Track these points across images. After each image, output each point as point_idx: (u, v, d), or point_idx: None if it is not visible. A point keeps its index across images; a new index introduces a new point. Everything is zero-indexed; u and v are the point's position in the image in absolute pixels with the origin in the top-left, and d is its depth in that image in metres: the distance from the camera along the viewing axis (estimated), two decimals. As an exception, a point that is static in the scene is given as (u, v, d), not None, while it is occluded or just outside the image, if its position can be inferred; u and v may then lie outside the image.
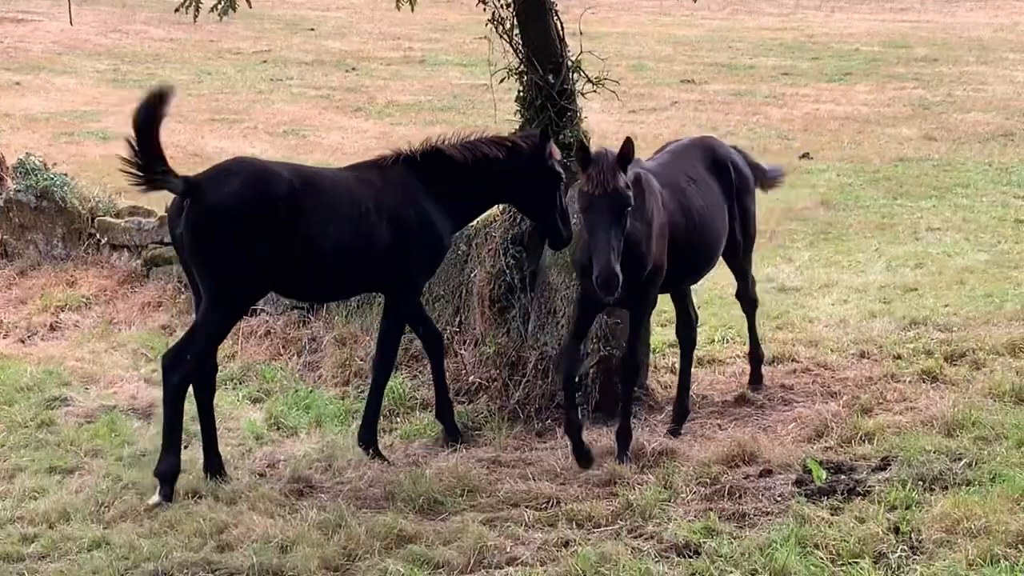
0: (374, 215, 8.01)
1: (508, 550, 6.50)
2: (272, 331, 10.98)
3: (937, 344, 9.37)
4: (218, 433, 8.74)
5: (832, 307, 10.93)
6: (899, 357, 9.24)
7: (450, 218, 8.42)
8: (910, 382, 8.70)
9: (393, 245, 8.06)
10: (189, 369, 7.71)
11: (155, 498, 7.54)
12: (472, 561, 6.48)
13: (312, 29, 36.12)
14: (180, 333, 11.25)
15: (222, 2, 9.55)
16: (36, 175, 13.73)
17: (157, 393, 9.71)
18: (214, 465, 7.93)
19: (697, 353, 9.97)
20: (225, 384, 10.03)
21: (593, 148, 7.54)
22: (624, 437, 7.96)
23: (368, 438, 8.30)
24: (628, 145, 7.25)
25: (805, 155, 19.29)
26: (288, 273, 7.89)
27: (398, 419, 8.98)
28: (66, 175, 14.01)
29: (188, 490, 7.61)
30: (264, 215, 7.65)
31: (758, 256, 13.76)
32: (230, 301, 7.78)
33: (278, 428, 8.93)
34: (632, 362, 8.02)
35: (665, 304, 9.06)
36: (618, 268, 7.01)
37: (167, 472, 7.65)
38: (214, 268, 7.67)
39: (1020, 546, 6.08)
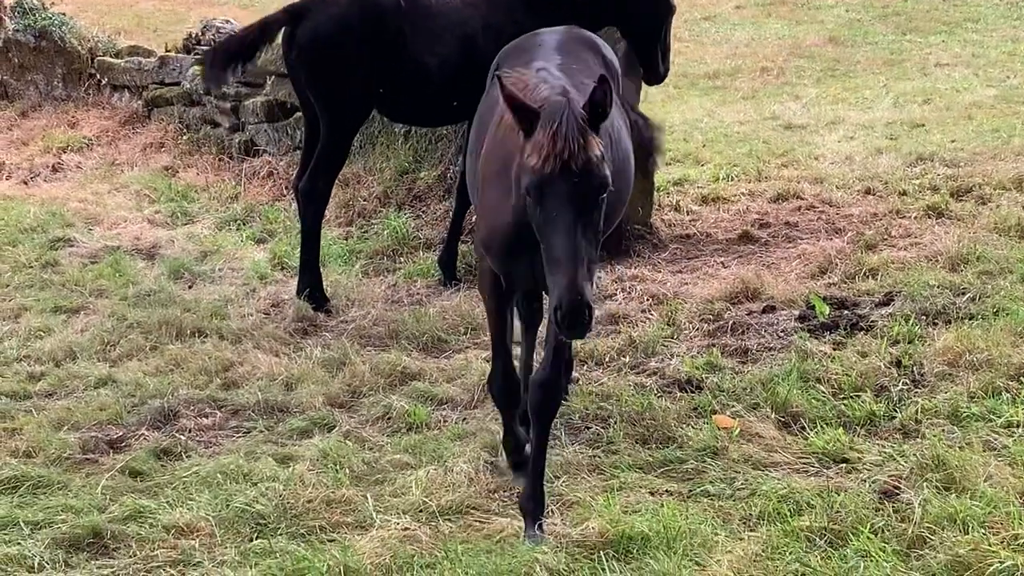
0: (480, 36, 7.99)
1: (511, 386, 6.51)
2: (275, 172, 10.93)
3: (943, 180, 9.31)
4: (223, 273, 8.80)
5: (838, 144, 10.84)
6: (904, 193, 9.18)
7: None
8: (915, 218, 8.66)
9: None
10: (324, 195, 8.17)
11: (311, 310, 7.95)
12: (475, 398, 6.52)
13: None
14: (183, 174, 11.30)
15: None
16: (34, 14, 13.56)
17: (160, 234, 9.78)
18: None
19: (702, 191, 9.94)
20: (229, 225, 10.03)
21: (539, 95, 4.84)
22: (534, 504, 5.24)
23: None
24: (603, 90, 4.59)
25: (814, -10, 18.97)
26: (395, 93, 8.03)
27: (402, 259, 8.96)
28: (64, 14, 13.81)
29: (193, 329, 7.63)
30: (372, 33, 7.79)
31: (764, 92, 13.69)
32: (344, 120, 8.05)
33: (282, 268, 8.92)
34: (554, 384, 5.29)
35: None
36: (590, 294, 4.47)
37: (313, 289, 8.07)
38: (326, 89, 7.94)
39: (1021, 378, 6.11)
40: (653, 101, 11.76)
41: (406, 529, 5.25)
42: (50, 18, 13.52)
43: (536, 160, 4.49)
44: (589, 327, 4.47)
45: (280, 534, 5.27)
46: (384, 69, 7.84)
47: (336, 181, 9.07)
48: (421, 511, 5.41)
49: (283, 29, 8.07)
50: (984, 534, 4.79)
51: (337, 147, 8.06)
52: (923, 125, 11.22)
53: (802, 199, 9.56)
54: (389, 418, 6.41)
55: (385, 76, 7.87)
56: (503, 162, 4.96)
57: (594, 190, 4.51)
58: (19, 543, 5.21)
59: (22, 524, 5.36)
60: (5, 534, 5.30)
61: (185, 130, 12.15)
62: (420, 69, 7.88)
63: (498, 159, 5.07)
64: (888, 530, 4.95)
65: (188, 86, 12.18)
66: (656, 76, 8.48)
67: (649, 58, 8.39)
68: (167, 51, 12.95)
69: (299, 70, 8.01)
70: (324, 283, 8.20)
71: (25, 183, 11.84)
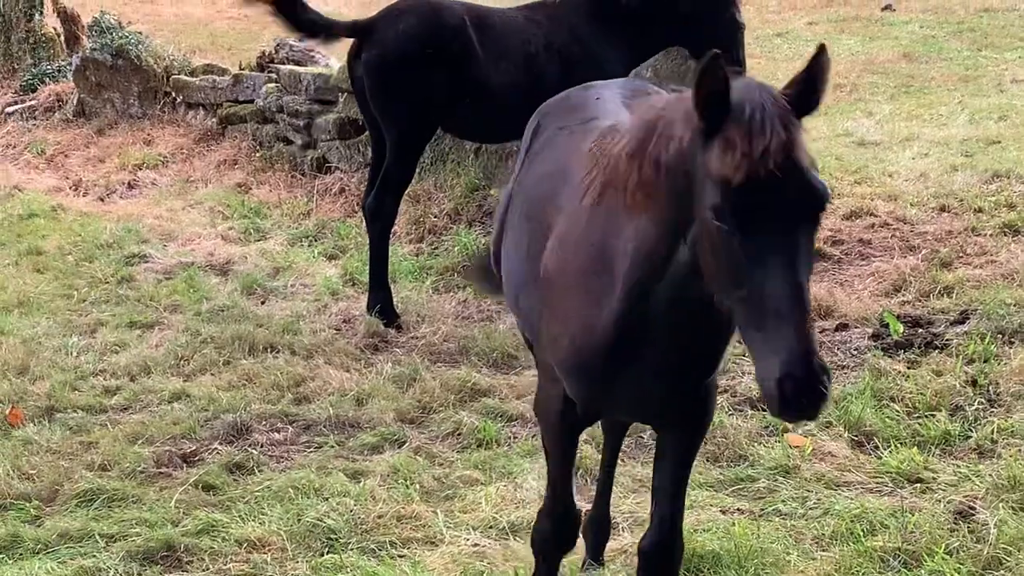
0: (543, 54, 8.03)
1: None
2: (346, 189, 11.00)
3: (1020, 197, 9.15)
4: (295, 289, 8.87)
5: (912, 161, 10.70)
6: (980, 210, 9.05)
7: (621, 58, 8.24)
8: (991, 235, 8.53)
9: (563, 85, 8.01)
10: (390, 213, 8.20)
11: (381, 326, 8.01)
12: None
13: None
14: (256, 191, 11.41)
15: None
16: (111, 33, 13.78)
17: (234, 250, 9.87)
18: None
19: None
20: (301, 241, 10.11)
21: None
22: None
23: None
24: (819, 67, 3.35)
25: (887, 7, 18.84)
26: (460, 111, 8.07)
27: (472, 275, 8.97)
28: (140, 33, 14.01)
29: (266, 345, 7.70)
30: (438, 51, 7.83)
31: (837, 109, 13.61)
32: (410, 139, 8.10)
33: (353, 284, 8.98)
34: (676, 547, 4.25)
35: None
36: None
37: (383, 305, 8.11)
38: (392, 107, 7.98)
39: (1098, 398, 6.02)
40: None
41: (476, 545, 5.27)
42: (127, 37, 13.72)
43: (729, 166, 3.15)
44: (826, 403, 3.21)
45: (351, 549, 5.31)
46: (449, 87, 7.86)
47: (406, 198, 9.12)
48: (491, 527, 5.43)
49: (350, 45, 8.14)
50: (1061, 556, 4.71)
51: (403, 165, 8.10)
52: (999, 142, 11.04)
53: (875, 216, 9.44)
54: (459, 434, 6.43)
55: (450, 94, 7.89)
56: (597, 254, 3.77)
57: (814, 205, 3.23)
58: (94, 555, 5.30)
59: (97, 537, 5.44)
60: (81, 546, 5.38)
61: (258, 147, 12.26)
62: (485, 86, 7.90)
63: (587, 250, 3.83)
64: (963, 551, 4.89)
65: (261, 104, 12.30)
66: None
67: None
68: (240, 69, 13.10)
69: (365, 88, 8.05)
70: (394, 299, 8.24)
71: (101, 200, 12.02)
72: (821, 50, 3.34)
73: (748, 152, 3.13)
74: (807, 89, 3.32)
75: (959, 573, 4.71)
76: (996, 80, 13.81)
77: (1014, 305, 7.20)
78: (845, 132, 11.92)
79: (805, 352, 3.14)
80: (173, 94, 13.51)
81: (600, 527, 5.02)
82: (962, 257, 8.22)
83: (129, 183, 12.20)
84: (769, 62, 14.81)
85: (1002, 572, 4.71)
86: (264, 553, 5.27)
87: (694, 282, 3.44)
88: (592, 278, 3.80)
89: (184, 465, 6.21)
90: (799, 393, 3.14)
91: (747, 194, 3.12)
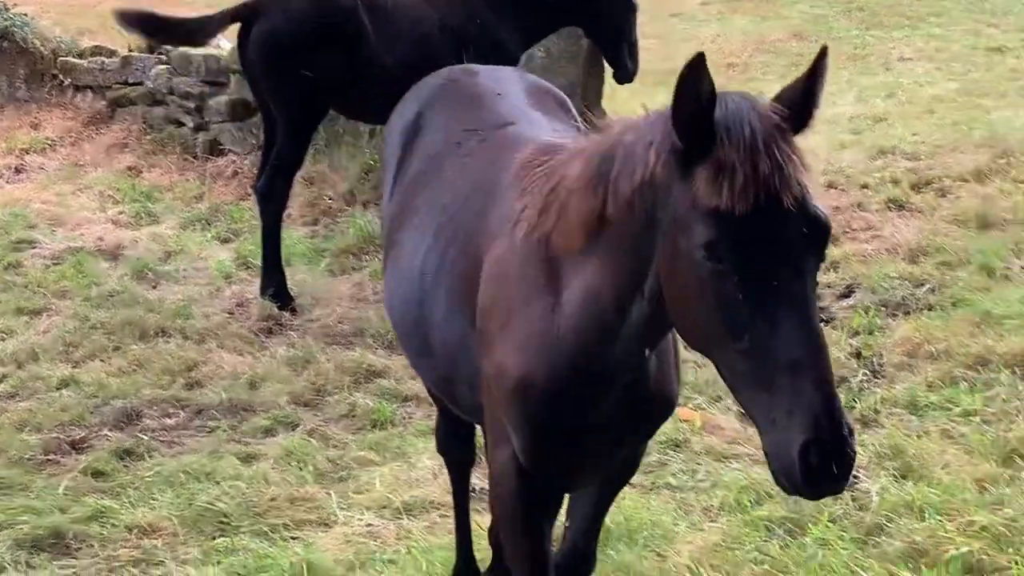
0: (438, 35, 8.00)
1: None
2: (240, 171, 10.89)
3: (904, 172, 9.34)
4: (188, 273, 8.78)
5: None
6: (866, 186, 9.21)
7: (517, 39, 8.25)
8: (876, 211, 8.69)
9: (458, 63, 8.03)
10: (282, 195, 8.12)
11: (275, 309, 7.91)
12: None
13: None
14: (147, 174, 11.26)
15: None
16: (-5, 16, 13.46)
17: (124, 234, 9.73)
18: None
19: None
20: (193, 225, 9.99)
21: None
22: None
23: None
24: (818, 76, 2.93)
25: (778, -14, 19.03)
26: (353, 93, 8.01)
27: (367, 257, 8.95)
28: (26, 15, 13.73)
29: (157, 329, 7.62)
30: (329, 33, 7.77)
31: (731, 88, 13.71)
32: (300, 120, 8.04)
33: (247, 268, 8.90)
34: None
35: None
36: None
37: (277, 288, 8.02)
38: (282, 88, 7.91)
39: (979, 368, 6.17)
40: (620, 98, 11.77)
41: (369, 525, 5.28)
42: (11, 19, 13.42)
43: (726, 193, 2.68)
44: (852, 472, 2.72)
45: (243, 532, 5.29)
46: (341, 69, 7.81)
47: (301, 180, 9.07)
48: (385, 507, 5.44)
49: (239, 27, 8.07)
50: (940, 521, 4.84)
51: (294, 147, 8.04)
52: (886, 119, 11.26)
53: (765, 193, 9.57)
54: (354, 416, 6.42)
55: (342, 76, 7.84)
56: (540, 295, 3.27)
57: (821, 235, 2.76)
58: (-19, 544, 5.22)
59: (-16, 525, 5.36)
60: (-33, 536, 5.30)
61: (149, 130, 12.08)
62: (379, 68, 7.85)
63: (531, 268, 3.31)
64: (846, 519, 5.00)
65: (152, 86, 12.12)
66: (626, 74, 8.49)
67: (617, 56, 8.40)
68: (130, 51, 12.88)
69: (255, 69, 8.00)
70: (289, 282, 8.19)
71: (-12, 185, 11.78)
72: (823, 53, 2.90)
73: (750, 175, 2.66)
74: (803, 102, 2.87)
75: (842, 540, 4.81)
76: (884, 59, 14.07)
77: (897, 278, 7.36)
78: (737, 111, 12.05)
79: (832, 411, 2.63)
80: (61, 77, 13.24)
81: None
82: (848, 232, 8.36)
83: (16, 168, 11.94)
84: (664, 43, 14.91)
85: (883, 538, 4.81)
86: (155, 538, 5.24)
87: (652, 338, 3.16)
88: (536, 309, 3.27)
89: (73, 452, 6.13)
90: (828, 462, 2.62)
91: (749, 226, 2.66)
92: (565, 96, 4.51)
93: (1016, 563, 4.53)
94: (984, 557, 4.58)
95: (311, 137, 8.45)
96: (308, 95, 7.90)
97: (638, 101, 10.10)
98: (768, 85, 13.03)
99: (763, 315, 2.67)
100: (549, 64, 9.48)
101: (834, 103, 12.07)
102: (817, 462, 2.60)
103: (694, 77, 2.70)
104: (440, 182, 3.93)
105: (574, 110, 4.41)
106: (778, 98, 2.87)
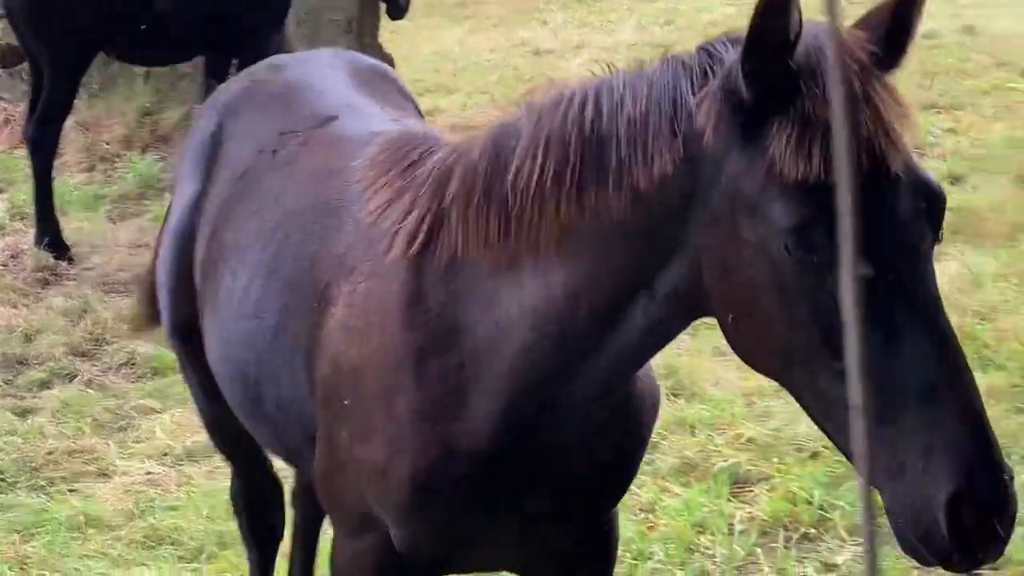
0: None
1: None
2: (11, 119, 10.50)
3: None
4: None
5: (581, 67, 10.98)
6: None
7: None
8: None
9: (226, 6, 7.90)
10: (52, 142, 7.88)
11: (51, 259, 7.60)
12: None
13: None
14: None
15: None
16: None
17: None
18: None
19: (452, 120, 9.99)
20: (-38, 175, 9.64)
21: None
22: None
23: None
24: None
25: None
26: (123, 36, 7.79)
27: (147, 202, 8.76)
28: None
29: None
30: None
31: (516, 19, 13.82)
32: (67, 65, 7.80)
33: (21, 218, 8.62)
34: None
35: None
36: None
37: (52, 238, 7.70)
38: (47, 32, 7.65)
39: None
40: (402, 33, 11.74)
41: (149, 473, 5.24)
42: None
43: (816, 162, 2.03)
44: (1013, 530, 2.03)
45: (19, 488, 5.19)
46: (107, 12, 7.59)
47: (76, 125, 8.83)
48: (166, 455, 5.40)
49: None
50: (710, 436, 5.00)
51: (61, 92, 7.81)
52: (664, 46, 11.44)
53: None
54: (134, 364, 6.32)
55: (108, 19, 7.61)
56: (439, 328, 2.49)
57: (939, 211, 2.14)
58: None
59: None
60: None
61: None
62: (149, 11, 7.65)
63: (417, 324, 2.51)
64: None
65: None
66: (398, 9, 8.46)
67: None
68: None
69: (17, 13, 7.71)
70: (65, 230, 7.97)
71: None
72: None
73: (852, 133, 1.91)
74: (896, 30, 2.20)
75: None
76: (662, -16, 14.28)
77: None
78: (521, 42, 12.15)
79: (987, 451, 1.98)
80: None
81: None
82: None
83: None
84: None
85: (656, 455, 4.92)
86: (-76, 499, 5.10)
87: (644, 356, 2.45)
88: (433, 368, 2.48)
89: None
90: (987, 521, 1.96)
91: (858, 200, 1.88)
92: (396, 74, 3.97)
93: (779, 471, 4.72)
94: (751, 468, 4.76)
95: (79, 82, 8.20)
96: (72, 40, 7.66)
97: (422, 35, 10.09)
98: (551, 15, 13.15)
99: (878, 321, 1.98)
100: (325, 1, 9.39)
101: (614, 31, 12.25)
102: (973, 521, 1.93)
103: (782, 1, 2.01)
104: (260, 203, 3.10)
105: (406, 88, 3.78)
106: (861, 25, 2.21)
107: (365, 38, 9.37)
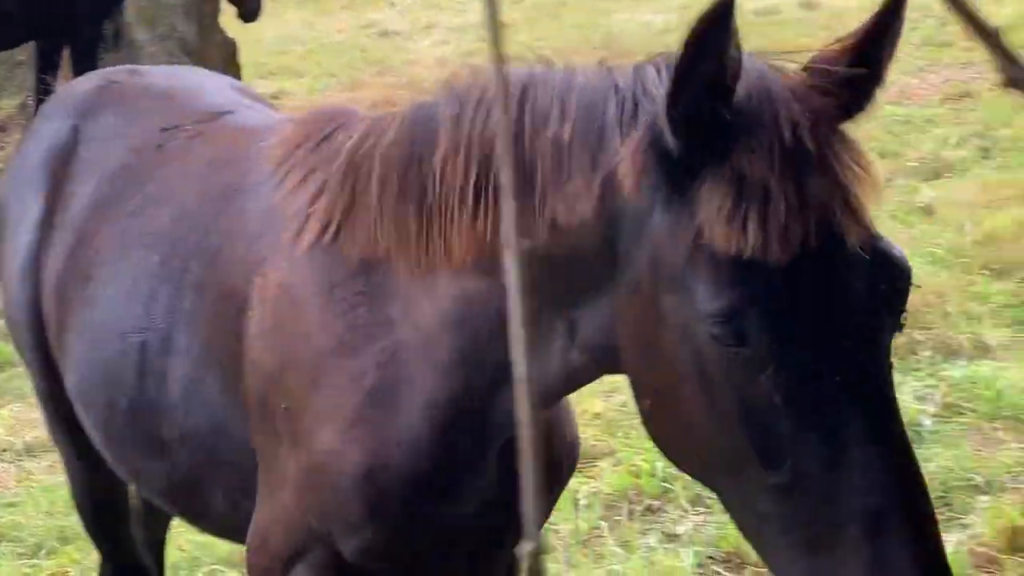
0: None
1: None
2: None
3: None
4: None
5: (431, 48, 10.99)
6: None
7: None
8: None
9: None
10: None
11: None
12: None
13: None
14: None
15: None
16: None
17: None
18: None
19: (299, 103, 9.90)
20: None
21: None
22: None
23: None
24: (893, 24, 1.82)
25: None
26: None
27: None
28: None
29: None
30: None
31: (364, 0, 13.73)
32: None
33: None
34: None
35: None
36: None
37: None
38: None
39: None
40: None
41: (-12, 470, 5.11)
42: None
43: (752, 234, 1.68)
44: None
45: None
46: None
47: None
48: (6, 451, 5.27)
49: None
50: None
51: None
52: (513, 25, 11.50)
53: (395, 105, 9.63)
54: (-29, 360, 6.15)
55: None
56: (360, 297, 2.25)
57: (902, 292, 1.78)
58: None
59: None
60: None
61: None
62: None
63: (344, 293, 2.26)
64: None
65: None
66: (251, 13, 8.36)
67: None
68: None
69: None
70: None
71: None
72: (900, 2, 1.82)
73: (795, 201, 1.68)
74: (861, 72, 1.82)
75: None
76: (511, -33, 14.30)
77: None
78: (369, 23, 12.08)
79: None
80: None
81: None
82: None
83: None
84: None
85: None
86: None
87: (567, 389, 2.19)
88: (362, 359, 2.24)
89: None
90: None
91: (794, 284, 1.68)
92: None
93: (625, 445, 4.76)
94: (596, 443, 4.79)
95: None
96: None
97: (268, 20, 9.89)
98: None
99: (818, 429, 1.68)
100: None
101: (464, 11, 12.25)
102: None
103: (717, 31, 1.66)
104: (142, 204, 2.76)
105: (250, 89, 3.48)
106: (819, 62, 1.84)
107: (205, 20, 9.22)
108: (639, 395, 1.90)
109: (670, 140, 1.74)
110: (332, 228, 2.23)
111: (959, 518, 4.17)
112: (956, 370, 5.15)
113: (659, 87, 1.82)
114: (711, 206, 1.69)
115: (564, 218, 1.90)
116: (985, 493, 4.31)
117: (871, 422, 1.68)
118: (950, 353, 5.31)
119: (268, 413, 2.33)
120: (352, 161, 2.22)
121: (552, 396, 2.17)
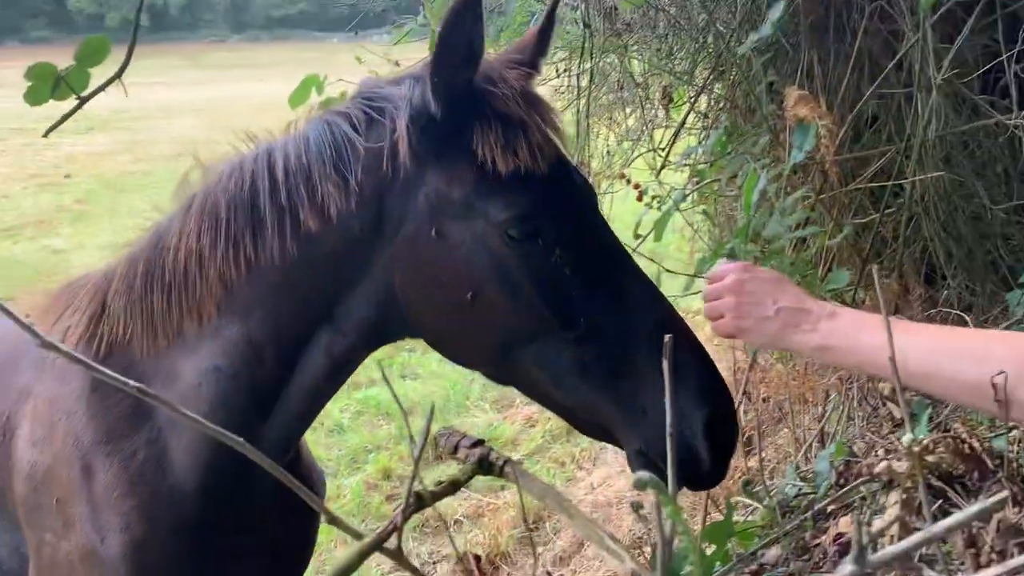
0: None
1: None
2: None
3: None
4: None
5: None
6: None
7: None
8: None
9: None
10: None
11: None
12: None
13: None
14: None
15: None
16: None
17: None
18: None
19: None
20: None
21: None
22: None
23: None
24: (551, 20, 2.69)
25: None
26: None
27: None
28: None
29: None
30: None
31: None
32: None
33: None
34: None
35: None
36: None
37: None
38: None
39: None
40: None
41: None
42: None
43: (524, 154, 2.32)
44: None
45: None
46: None
47: None
48: None
49: None
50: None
51: None
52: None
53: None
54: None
55: None
56: (134, 410, 2.55)
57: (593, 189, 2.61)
58: None
59: None
60: None
61: None
62: None
63: (100, 397, 2.57)
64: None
65: None
66: None
67: None
68: None
69: None
70: None
71: None
72: (555, 4, 2.54)
73: (539, 129, 2.30)
74: (538, 46, 2.53)
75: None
76: None
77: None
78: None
79: (716, 374, 2.22)
80: None
81: None
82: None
83: None
84: None
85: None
86: None
87: (335, 384, 2.49)
88: (125, 447, 2.48)
89: None
90: (734, 436, 2.20)
91: (557, 186, 2.28)
92: None
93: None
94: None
95: None
96: None
97: None
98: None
99: (599, 285, 2.23)
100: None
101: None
102: (726, 436, 2.16)
103: (468, 11, 2.15)
104: None
105: None
106: (507, 54, 2.49)
107: None
108: (427, 325, 2.30)
109: (432, 105, 2.23)
110: (87, 334, 2.50)
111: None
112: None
113: (390, 90, 2.34)
114: (488, 143, 2.21)
115: (317, 225, 2.29)
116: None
117: (630, 270, 2.25)
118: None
119: (36, 512, 2.54)
120: (99, 285, 2.53)
121: (325, 390, 2.45)
